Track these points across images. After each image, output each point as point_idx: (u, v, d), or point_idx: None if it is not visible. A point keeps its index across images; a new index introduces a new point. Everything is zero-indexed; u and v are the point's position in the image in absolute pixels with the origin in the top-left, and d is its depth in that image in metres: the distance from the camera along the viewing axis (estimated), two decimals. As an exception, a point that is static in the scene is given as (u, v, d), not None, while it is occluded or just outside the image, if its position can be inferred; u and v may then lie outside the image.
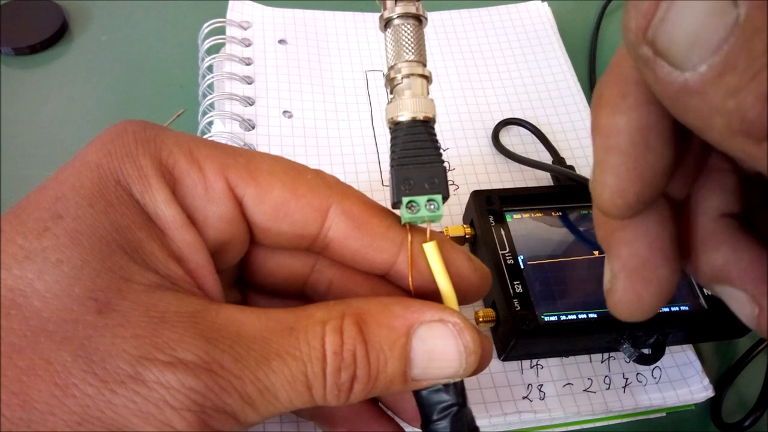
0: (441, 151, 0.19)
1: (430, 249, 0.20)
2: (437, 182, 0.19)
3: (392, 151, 0.19)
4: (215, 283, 0.19)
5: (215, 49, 0.41)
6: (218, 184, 0.19)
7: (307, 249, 0.21)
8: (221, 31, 0.42)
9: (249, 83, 0.40)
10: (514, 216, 0.33)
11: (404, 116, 0.19)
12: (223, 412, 0.16)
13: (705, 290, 0.30)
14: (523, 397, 0.30)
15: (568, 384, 0.31)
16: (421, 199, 0.19)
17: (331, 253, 0.21)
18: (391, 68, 0.20)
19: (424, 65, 0.20)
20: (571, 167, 0.37)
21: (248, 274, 0.23)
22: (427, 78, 0.20)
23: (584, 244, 0.32)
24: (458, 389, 0.19)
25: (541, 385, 0.31)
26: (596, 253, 0.32)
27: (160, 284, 0.17)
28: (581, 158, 0.39)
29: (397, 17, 0.19)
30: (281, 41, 0.43)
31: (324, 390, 0.17)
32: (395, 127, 0.20)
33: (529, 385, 0.31)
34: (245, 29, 0.43)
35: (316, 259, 0.23)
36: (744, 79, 0.10)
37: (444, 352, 0.18)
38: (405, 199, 0.19)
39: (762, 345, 0.32)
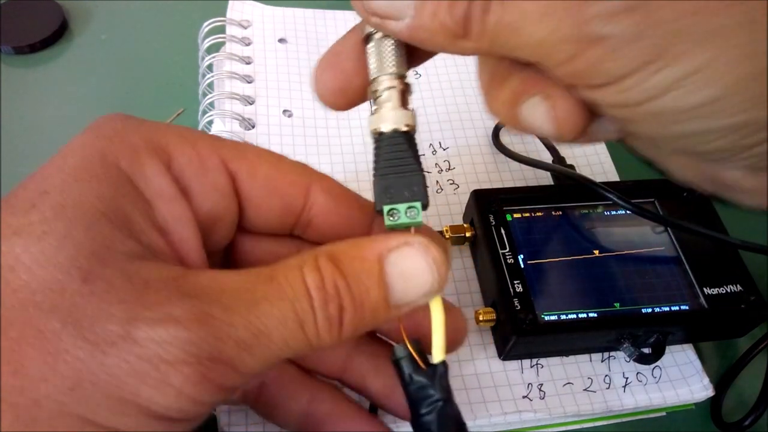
0: (420, 159, 0.20)
1: (435, 304, 0.20)
2: (416, 190, 0.20)
3: (375, 162, 0.20)
4: (199, 258, 0.20)
5: (215, 48, 0.41)
6: (213, 158, 0.20)
7: (292, 230, 0.22)
8: (221, 30, 0.42)
9: (249, 82, 0.40)
10: (514, 215, 0.33)
11: (386, 127, 0.20)
12: (220, 361, 0.16)
13: (705, 290, 0.30)
14: (523, 397, 0.30)
15: (569, 383, 0.31)
16: (402, 207, 0.20)
17: (312, 230, 0.22)
18: (372, 80, 0.20)
19: (405, 77, 0.20)
20: (572, 166, 0.37)
21: (232, 266, 0.23)
22: (408, 89, 0.20)
23: (584, 244, 0.32)
24: (444, 386, 0.21)
25: (541, 384, 0.31)
26: (596, 252, 0.32)
27: (141, 253, 0.18)
28: (581, 157, 0.39)
29: (378, 32, 0.20)
30: (281, 40, 0.43)
31: (316, 325, 0.18)
32: (378, 137, 0.20)
33: (529, 384, 0.31)
34: (245, 28, 0.43)
35: (300, 247, 0.23)
36: (431, 8, 0.16)
37: (416, 270, 0.19)
38: (386, 207, 0.20)
39: (762, 345, 0.32)
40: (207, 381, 0.16)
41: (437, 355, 0.21)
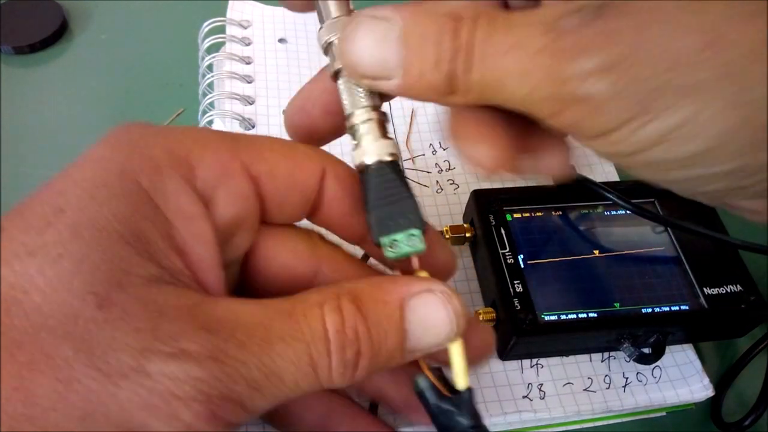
0: (410, 185, 0.20)
1: (456, 348, 0.20)
2: (412, 217, 0.20)
3: (365, 196, 0.20)
4: (217, 278, 0.19)
5: (215, 48, 0.41)
6: (235, 165, 0.20)
7: (305, 216, 0.22)
8: (221, 29, 0.42)
9: (249, 82, 0.40)
10: (514, 215, 0.33)
11: (370, 159, 0.20)
12: (230, 400, 0.16)
13: (705, 290, 0.30)
14: (523, 397, 0.30)
15: (569, 383, 0.31)
16: (401, 236, 0.20)
17: (322, 214, 0.22)
18: (348, 116, 0.20)
19: (380, 108, 0.20)
20: (572, 166, 0.37)
21: (249, 282, 0.23)
22: (385, 119, 0.20)
23: (584, 244, 0.32)
24: (471, 411, 0.20)
25: (542, 384, 0.31)
26: (596, 252, 0.32)
27: (159, 277, 0.17)
28: (581, 157, 0.39)
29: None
30: (281, 40, 0.43)
31: (329, 369, 0.18)
32: (364, 171, 0.20)
33: (529, 384, 0.31)
34: (245, 28, 0.43)
35: (318, 263, 0.23)
36: (418, 69, 0.17)
37: (436, 320, 0.19)
38: (385, 240, 0.20)
39: (762, 345, 0.32)
40: (216, 418, 0.16)
41: (460, 381, 0.20)
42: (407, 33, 0.17)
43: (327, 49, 0.20)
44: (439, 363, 0.21)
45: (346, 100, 0.20)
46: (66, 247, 0.16)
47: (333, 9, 0.20)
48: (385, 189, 0.20)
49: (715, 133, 0.14)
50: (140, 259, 0.17)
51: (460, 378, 0.20)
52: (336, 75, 0.20)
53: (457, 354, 0.20)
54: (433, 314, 0.19)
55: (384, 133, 0.20)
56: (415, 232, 0.20)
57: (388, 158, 0.20)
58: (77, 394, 0.15)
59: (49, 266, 0.16)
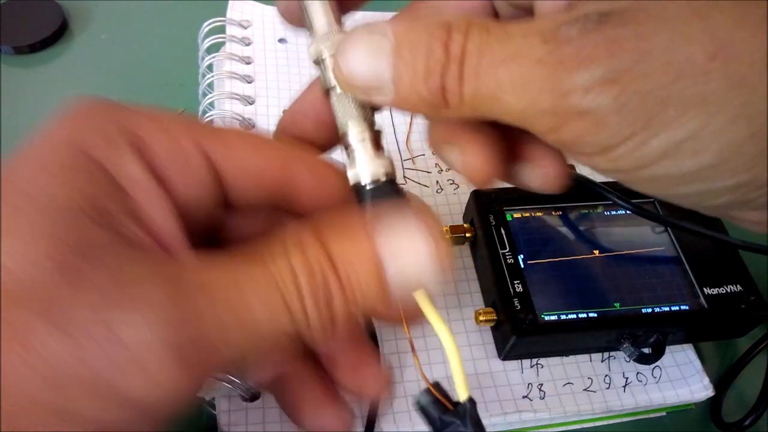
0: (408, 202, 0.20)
1: (448, 343, 0.20)
2: None
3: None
4: (180, 245, 0.19)
5: (215, 48, 0.41)
6: (188, 142, 0.20)
7: (276, 205, 0.22)
8: (221, 29, 0.42)
9: (249, 82, 0.40)
10: (514, 215, 0.33)
11: (366, 179, 0.20)
12: (200, 345, 0.16)
13: (705, 290, 0.30)
14: (523, 397, 0.30)
15: (569, 383, 0.31)
16: None
17: (297, 205, 0.22)
18: (343, 135, 0.20)
19: (374, 124, 0.20)
20: (572, 166, 0.37)
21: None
22: (379, 136, 0.20)
23: (584, 244, 0.32)
24: (474, 421, 0.20)
25: (541, 384, 0.31)
26: (596, 252, 0.32)
27: (120, 245, 0.17)
28: (581, 157, 0.39)
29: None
30: (281, 40, 0.43)
31: (303, 306, 0.17)
32: (360, 190, 0.20)
33: (529, 384, 0.31)
34: (245, 28, 0.43)
35: (285, 220, 0.23)
36: (409, 82, 0.17)
37: (411, 245, 0.18)
38: None
39: (762, 345, 0.32)
40: (186, 365, 0.16)
41: (461, 393, 0.20)
42: (399, 45, 0.17)
43: (318, 64, 0.20)
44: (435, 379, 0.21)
45: (339, 118, 0.20)
46: (23, 220, 0.16)
47: (323, 23, 0.20)
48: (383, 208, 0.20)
49: (722, 146, 0.14)
50: (100, 229, 0.17)
51: (460, 389, 0.20)
52: (328, 92, 0.20)
53: (456, 365, 0.20)
54: (407, 240, 0.18)
55: (378, 150, 0.20)
56: None
57: (384, 178, 0.20)
58: (41, 359, 0.14)
59: (7, 242, 0.16)
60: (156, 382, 0.15)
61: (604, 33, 0.14)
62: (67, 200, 0.17)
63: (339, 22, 0.20)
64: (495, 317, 0.30)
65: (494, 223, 0.32)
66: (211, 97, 0.38)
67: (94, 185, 0.17)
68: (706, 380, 0.31)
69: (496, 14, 0.21)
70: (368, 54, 0.17)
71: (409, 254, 0.18)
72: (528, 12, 0.19)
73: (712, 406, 0.32)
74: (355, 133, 0.20)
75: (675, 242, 0.32)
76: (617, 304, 0.30)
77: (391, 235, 0.18)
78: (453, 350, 0.20)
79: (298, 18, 0.21)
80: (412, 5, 0.22)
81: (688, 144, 0.14)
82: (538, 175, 0.20)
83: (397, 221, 0.18)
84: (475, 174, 0.19)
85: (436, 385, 0.21)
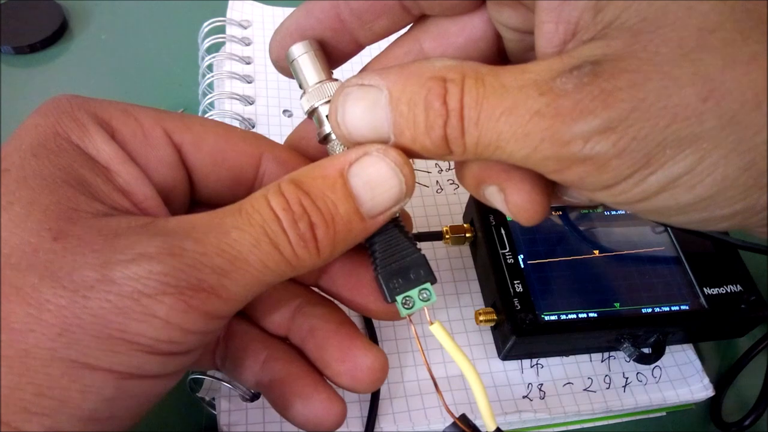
0: (414, 240, 0.21)
1: (471, 375, 0.21)
2: (423, 273, 0.20)
3: (372, 257, 0.21)
4: (164, 213, 0.20)
5: (215, 48, 0.41)
6: (156, 131, 0.21)
7: (244, 194, 0.23)
8: (221, 29, 0.42)
9: (249, 82, 0.40)
10: (515, 215, 0.33)
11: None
12: (201, 289, 0.17)
13: (705, 290, 0.30)
14: (523, 397, 0.30)
15: (569, 383, 0.31)
16: (413, 292, 0.20)
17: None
18: None
19: None
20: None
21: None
22: None
23: (584, 244, 0.32)
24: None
25: (541, 384, 0.31)
26: (596, 252, 0.32)
27: (107, 213, 0.18)
28: (581, 157, 0.39)
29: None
30: (281, 40, 0.43)
31: (290, 244, 0.18)
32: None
33: (529, 384, 0.31)
34: (245, 28, 0.43)
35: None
36: (411, 135, 0.17)
37: (381, 176, 0.19)
38: (399, 297, 0.20)
39: (762, 345, 0.32)
40: (191, 308, 0.17)
41: (489, 424, 0.21)
42: (395, 99, 0.17)
43: (311, 115, 0.21)
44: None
45: None
46: (15, 195, 0.17)
47: (313, 75, 0.21)
48: (390, 247, 0.20)
49: (717, 180, 0.15)
50: (87, 199, 0.18)
51: (488, 420, 0.21)
52: (325, 139, 0.21)
53: (480, 397, 0.20)
54: (376, 172, 0.19)
55: None
56: (427, 286, 0.20)
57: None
58: (50, 313, 0.16)
59: (6, 217, 0.17)
60: (165, 326, 0.16)
61: (600, 86, 0.15)
62: (53, 176, 0.18)
63: (328, 70, 0.21)
64: (495, 317, 0.30)
65: (494, 223, 0.32)
66: (211, 97, 0.38)
67: (75, 162, 0.19)
68: (706, 380, 0.31)
69: (495, 35, 0.22)
70: (365, 109, 0.18)
71: (378, 180, 0.19)
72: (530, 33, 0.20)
73: (712, 406, 0.32)
74: None
75: (675, 242, 0.32)
76: (617, 304, 0.30)
77: (361, 172, 0.19)
78: (477, 383, 0.20)
79: (288, 70, 0.22)
80: (391, 46, 0.24)
81: (684, 179, 0.15)
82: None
83: (365, 159, 0.19)
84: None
85: (462, 418, 0.21)
